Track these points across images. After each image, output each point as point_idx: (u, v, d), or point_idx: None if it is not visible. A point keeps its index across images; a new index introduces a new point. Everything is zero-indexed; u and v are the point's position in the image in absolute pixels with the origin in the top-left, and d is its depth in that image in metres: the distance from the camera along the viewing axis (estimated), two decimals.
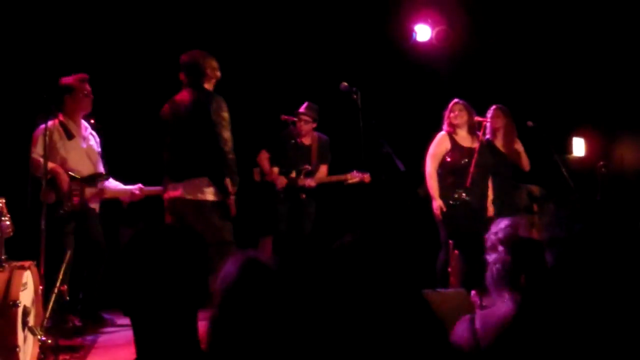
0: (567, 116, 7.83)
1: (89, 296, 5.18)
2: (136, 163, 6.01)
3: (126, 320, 5.15)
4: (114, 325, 5.24)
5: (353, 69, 6.62)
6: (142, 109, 6.58)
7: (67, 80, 5.15)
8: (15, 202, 4.22)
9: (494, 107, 6.16)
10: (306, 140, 6.34)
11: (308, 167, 6.17)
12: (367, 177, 5.90)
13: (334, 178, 6.05)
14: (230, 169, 4.73)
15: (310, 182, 6.00)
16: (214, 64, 4.96)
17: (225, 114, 4.78)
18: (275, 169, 6.23)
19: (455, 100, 5.78)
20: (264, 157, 6.31)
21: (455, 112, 5.72)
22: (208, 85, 4.92)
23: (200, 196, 4.75)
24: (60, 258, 4.36)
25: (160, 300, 1.58)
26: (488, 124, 6.06)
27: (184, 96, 4.91)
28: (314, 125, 6.30)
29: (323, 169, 6.27)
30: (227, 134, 4.74)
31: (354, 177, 5.92)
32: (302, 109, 6.25)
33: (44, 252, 4.30)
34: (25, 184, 4.48)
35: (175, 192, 4.81)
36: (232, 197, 4.75)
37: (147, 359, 1.58)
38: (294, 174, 6.06)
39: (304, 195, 6.08)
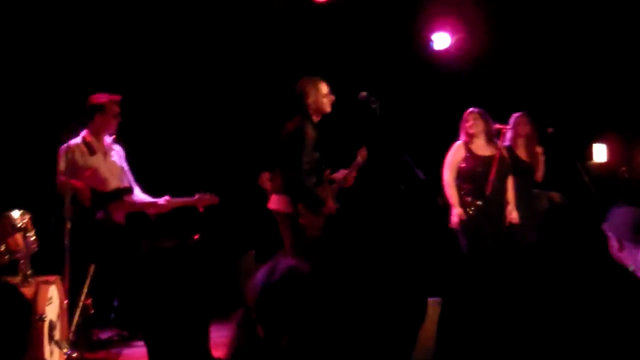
0: (587, 122, 7.78)
1: (123, 307, 5.24)
2: (165, 175, 6.06)
3: None
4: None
5: (372, 78, 6.64)
6: (170, 121, 6.69)
7: (99, 99, 5.18)
8: (41, 217, 4.30)
9: (519, 114, 6.14)
10: None
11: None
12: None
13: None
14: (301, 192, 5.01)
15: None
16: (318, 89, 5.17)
17: (308, 138, 5.01)
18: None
19: (470, 109, 5.77)
20: (265, 179, 6.19)
21: (470, 121, 5.71)
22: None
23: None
24: (84, 272, 4.42)
25: (170, 315, 1.62)
26: (509, 132, 6.04)
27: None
28: None
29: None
30: (305, 157, 4.99)
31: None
32: None
33: (68, 267, 4.37)
34: (51, 200, 4.56)
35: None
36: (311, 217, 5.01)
37: None
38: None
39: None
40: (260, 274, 1.92)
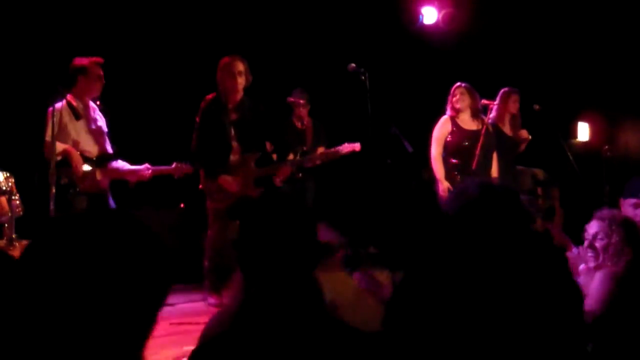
0: (572, 101, 7.84)
1: None
2: (143, 143, 6.03)
3: None
4: None
5: (361, 50, 6.62)
6: (148, 88, 6.62)
7: (81, 61, 5.14)
8: (28, 183, 4.27)
9: (510, 89, 6.17)
10: (300, 123, 6.43)
11: (303, 147, 6.14)
12: (357, 146, 5.82)
13: (327, 153, 5.91)
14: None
15: (307, 164, 5.90)
16: None
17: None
18: (274, 156, 6.16)
19: (457, 84, 5.79)
20: None
21: (457, 95, 5.73)
22: None
23: None
24: None
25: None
26: (495, 107, 6.07)
27: None
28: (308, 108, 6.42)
29: (320, 150, 6.23)
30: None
31: (345, 148, 5.82)
32: (298, 94, 6.31)
33: None
34: (37, 165, 4.51)
35: None
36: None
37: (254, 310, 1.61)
38: (291, 156, 5.97)
39: (300, 175, 6.02)
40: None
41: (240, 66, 5.30)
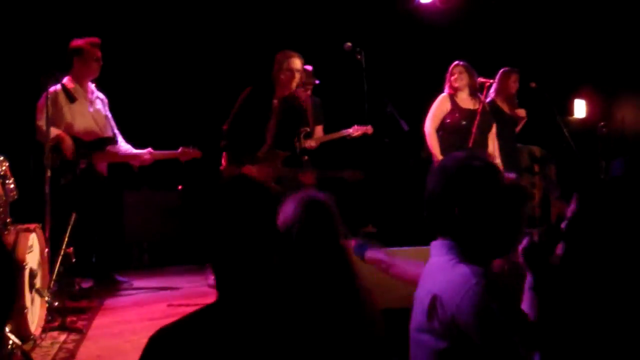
0: (568, 78, 7.82)
1: (102, 259, 5.24)
2: (147, 127, 6.00)
3: (141, 283, 5.25)
4: (130, 287, 5.31)
5: (357, 29, 6.57)
6: (154, 74, 6.58)
7: (78, 42, 5.10)
8: (23, 167, 4.23)
9: (510, 69, 6.13)
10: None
11: (307, 128, 6.08)
12: (369, 128, 5.79)
13: (336, 135, 5.92)
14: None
15: (311, 143, 5.87)
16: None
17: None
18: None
19: (456, 62, 5.75)
20: None
21: (456, 74, 5.69)
22: None
23: None
24: (65, 221, 4.37)
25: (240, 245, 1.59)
26: (494, 86, 6.03)
27: None
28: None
29: (319, 130, 6.18)
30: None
31: (356, 130, 5.79)
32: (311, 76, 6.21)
33: (49, 215, 4.33)
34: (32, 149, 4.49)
35: None
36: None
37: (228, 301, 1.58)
38: (296, 141, 5.90)
39: (306, 157, 6.00)
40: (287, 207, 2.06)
41: (299, 64, 5.19)
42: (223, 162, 5.23)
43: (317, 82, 5.94)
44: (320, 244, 2.06)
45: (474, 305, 1.70)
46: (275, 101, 5.20)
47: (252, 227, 1.59)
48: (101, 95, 5.28)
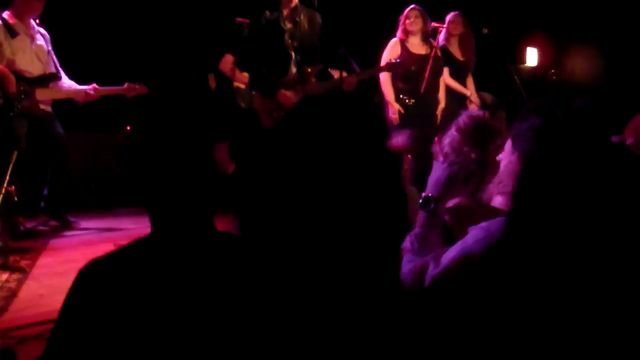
0: (520, 25, 7.84)
1: (53, 195, 5.15)
2: (90, 63, 5.84)
3: (88, 224, 5.19)
4: (76, 228, 5.26)
5: None
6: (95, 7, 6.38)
7: None
8: None
9: (454, 13, 6.11)
10: None
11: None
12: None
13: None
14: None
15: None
16: None
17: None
18: (246, 74, 5.85)
19: (412, 6, 5.73)
20: (228, 62, 5.65)
21: (412, 18, 5.68)
22: None
23: None
24: (6, 160, 4.27)
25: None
26: (443, 30, 6.03)
27: None
28: None
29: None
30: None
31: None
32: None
33: None
34: None
35: None
36: None
37: (161, 235, 1.56)
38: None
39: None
40: None
41: None
42: (255, 101, 4.98)
43: None
44: None
45: None
46: (285, 11, 5.02)
47: (186, 160, 1.57)
48: (42, 31, 5.13)
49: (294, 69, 5.05)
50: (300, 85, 5.02)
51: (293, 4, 5.05)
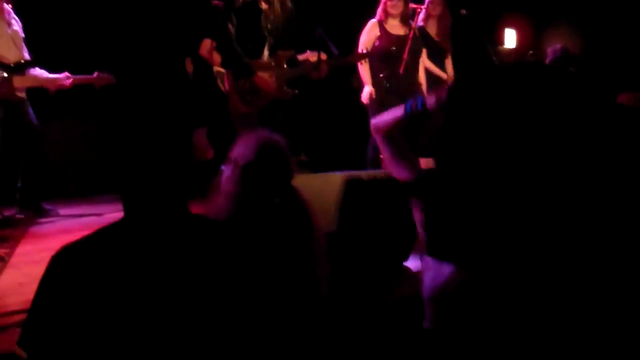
0: (499, 6, 7.85)
1: (27, 185, 5.12)
2: (63, 51, 5.78)
3: (67, 211, 5.15)
4: (56, 215, 5.23)
5: None
6: None
7: None
8: None
9: None
10: None
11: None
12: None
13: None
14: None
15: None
16: None
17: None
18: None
19: None
20: (207, 46, 5.70)
21: (394, 1, 5.66)
22: None
23: None
24: None
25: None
26: (422, 11, 6.02)
27: None
28: None
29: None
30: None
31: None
32: None
33: None
34: None
35: None
36: None
37: (134, 219, 1.55)
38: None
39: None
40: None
41: None
42: (226, 83, 4.94)
43: None
44: (271, 183, 2.11)
45: None
46: None
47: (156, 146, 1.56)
48: (16, 17, 5.07)
49: (266, 53, 4.99)
50: (275, 70, 4.98)
51: None
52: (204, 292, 1.45)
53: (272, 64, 4.98)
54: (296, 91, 5.03)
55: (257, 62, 4.93)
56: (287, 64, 5.03)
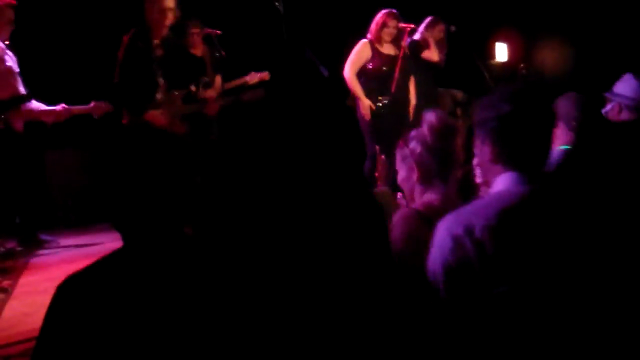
0: (489, 21, 7.93)
1: (25, 220, 5.16)
2: (59, 83, 5.85)
3: (68, 241, 5.16)
4: (56, 246, 5.26)
5: None
6: (63, 28, 6.36)
7: None
8: None
9: (435, 18, 6.17)
10: (197, 52, 6.10)
11: (205, 78, 5.94)
12: (265, 75, 5.85)
13: (233, 84, 5.86)
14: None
15: (211, 93, 5.76)
16: None
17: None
18: None
19: (389, 12, 5.76)
20: None
21: (390, 27, 5.72)
22: None
23: None
24: None
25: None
26: (420, 32, 6.06)
27: None
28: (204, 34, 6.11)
29: (218, 79, 6.09)
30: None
31: (253, 77, 5.85)
32: (192, 24, 6.00)
33: None
34: None
35: None
36: None
37: (134, 248, 1.58)
38: (194, 88, 5.75)
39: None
40: None
41: (171, 2, 4.99)
42: (124, 116, 5.10)
43: (217, 32, 5.90)
44: None
45: None
46: (156, 41, 5.06)
47: (155, 176, 1.60)
48: (10, 53, 5.13)
49: (160, 94, 5.11)
50: (167, 106, 5.11)
51: (165, 32, 5.08)
52: (209, 317, 1.47)
53: (166, 102, 5.13)
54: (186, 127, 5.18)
55: (154, 101, 5.09)
56: (182, 101, 5.20)
